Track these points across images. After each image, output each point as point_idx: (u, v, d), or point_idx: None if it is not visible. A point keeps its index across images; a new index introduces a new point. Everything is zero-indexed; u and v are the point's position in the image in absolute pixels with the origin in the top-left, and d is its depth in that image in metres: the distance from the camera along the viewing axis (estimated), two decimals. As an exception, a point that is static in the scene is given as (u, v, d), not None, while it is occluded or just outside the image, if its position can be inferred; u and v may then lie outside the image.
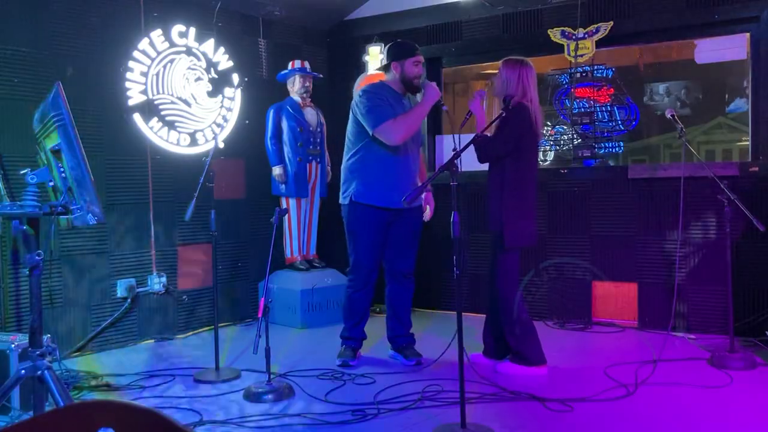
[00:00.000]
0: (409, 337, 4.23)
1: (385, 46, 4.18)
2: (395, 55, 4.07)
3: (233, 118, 5.35)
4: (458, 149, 3.18)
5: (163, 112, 4.89)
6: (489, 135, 3.81)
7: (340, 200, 4.18)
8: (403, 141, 3.94)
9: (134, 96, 4.72)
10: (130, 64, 4.70)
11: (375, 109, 3.93)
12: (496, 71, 3.93)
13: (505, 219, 3.76)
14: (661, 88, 5.52)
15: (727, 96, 5.21)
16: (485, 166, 5.22)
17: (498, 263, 3.86)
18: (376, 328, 4.83)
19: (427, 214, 4.29)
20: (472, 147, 3.49)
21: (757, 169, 4.55)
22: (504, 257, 3.84)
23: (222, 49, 5.22)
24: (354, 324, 4.20)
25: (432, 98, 3.94)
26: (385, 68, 4.14)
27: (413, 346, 4.20)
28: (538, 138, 3.89)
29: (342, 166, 4.20)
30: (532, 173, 3.87)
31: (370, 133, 3.94)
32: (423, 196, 4.20)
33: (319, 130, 5.48)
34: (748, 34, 4.77)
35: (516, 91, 3.78)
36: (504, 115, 3.75)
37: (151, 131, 4.81)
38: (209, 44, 5.15)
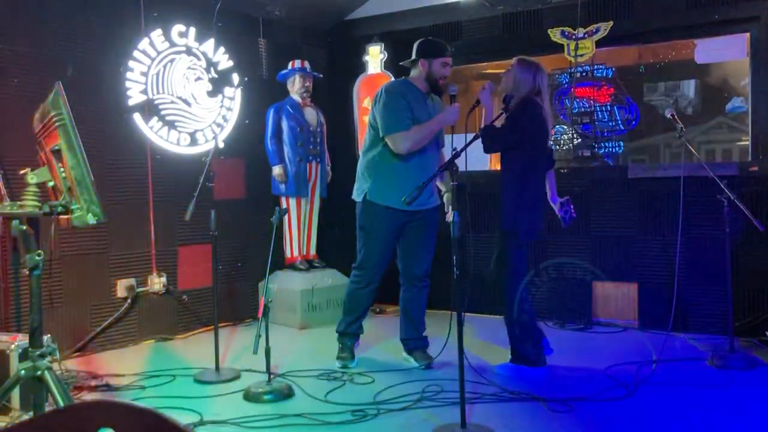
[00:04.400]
0: (422, 340, 4.18)
1: (415, 44, 4.06)
2: (425, 52, 3.96)
3: (233, 118, 5.35)
4: (458, 149, 3.18)
5: (163, 112, 4.89)
6: (494, 126, 3.78)
7: (354, 196, 4.10)
8: (410, 152, 3.87)
9: (134, 96, 4.72)
10: (130, 64, 4.69)
11: (394, 113, 3.85)
12: (504, 69, 3.93)
13: (519, 216, 3.75)
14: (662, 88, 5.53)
15: (727, 96, 5.22)
16: (485, 166, 5.22)
17: (509, 261, 3.81)
18: (377, 328, 4.83)
19: (449, 215, 4.21)
20: (472, 146, 3.47)
21: (756, 169, 4.55)
22: (515, 254, 3.80)
23: (222, 49, 5.22)
24: (354, 320, 4.18)
25: (448, 121, 3.89)
26: (412, 63, 4.03)
27: (426, 349, 4.15)
28: (548, 137, 3.87)
29: (359, 161, 4.12)
30: (539, 169, 3.87)
31: (380, 135, 3.90)
32: (437, 195, 4.16)
33: (319, 129, 5.48)
34: (748, 34, 4.77)
35: (530, 91, 3.76)
36: (503, 114, 3.75)
37: (151, 131, 4.81)
38: (209, 44, 5.15)
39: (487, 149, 3.79)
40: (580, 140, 5.35)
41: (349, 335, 4.19)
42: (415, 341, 4.15)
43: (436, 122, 3.89)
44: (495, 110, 3.85)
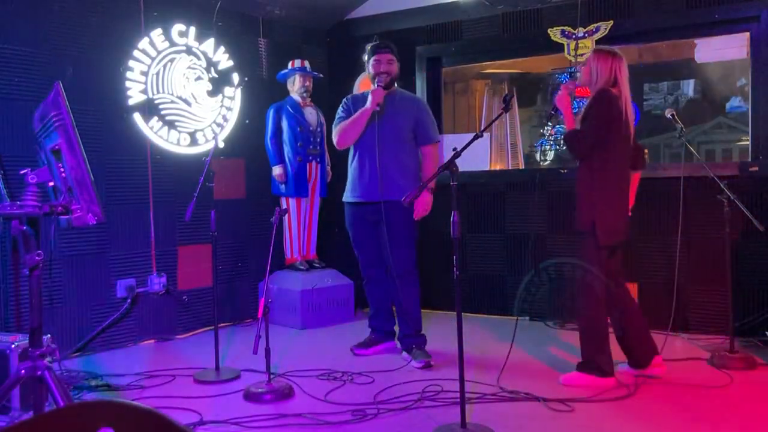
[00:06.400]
0: (418, 337, 4.17)
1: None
2: (366, 55, 4.28)
3: (233, 117, 5.35)
4: (458, 149, 3.17)
5: (163, 112, 4.89)
6: (576, 128, 3.59)
7: None
8: (345, 145, 4.17)
9: (134, 95, 4.72)
10: (130, 63, 4.69)
11: (336, 118, 4.23)
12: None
13: (597, 217, 3.55)
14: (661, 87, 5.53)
15: (726, 96, 5.22)
16: (485, 166, 5.22)
17: (587, 264, 3.62)
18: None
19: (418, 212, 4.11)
20: (473, 147, 3.39)
21: (756, 169, 4.55)
22: (593, 257, 3.59)
23: (222, 49, 5.22)
24: (372, 314, 4.43)
25: (367, 106, 4.04)
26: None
27: (423, 347, 4.14)
28: (629, 130, 3.64)
29: None
30: (622, 166, 3.64)
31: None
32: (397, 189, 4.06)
33: (319, 129, 5.48)
34: (748, 34, 4.77)
35: (606, 82, 3.59)
36: (503, 112, 3.70)
37: (151, 131, 4.81)
38: (209, 44, 5.15)
39: (578, 153, 3.59)
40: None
41: (372, 328, 4.41)
42: (411, 338, 4.15)
43: (358, 113, 4.10)
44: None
